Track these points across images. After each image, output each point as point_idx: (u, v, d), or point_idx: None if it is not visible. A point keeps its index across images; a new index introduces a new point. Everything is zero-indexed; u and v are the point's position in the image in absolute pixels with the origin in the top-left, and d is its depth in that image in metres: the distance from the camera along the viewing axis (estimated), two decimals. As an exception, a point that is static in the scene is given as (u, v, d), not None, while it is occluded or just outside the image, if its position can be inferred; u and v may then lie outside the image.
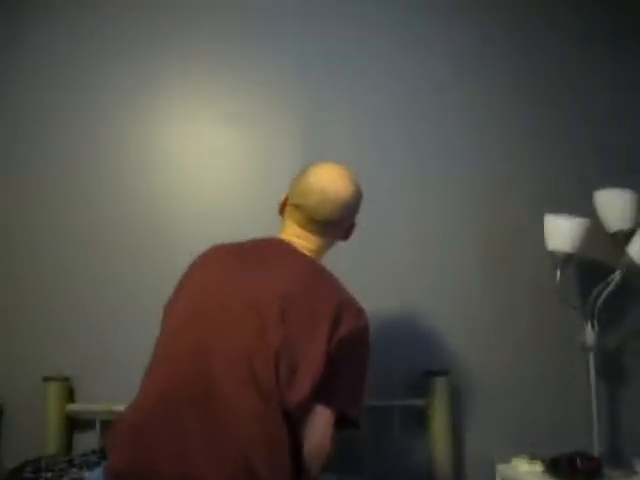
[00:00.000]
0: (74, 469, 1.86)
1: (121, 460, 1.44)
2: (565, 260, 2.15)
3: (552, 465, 2.02)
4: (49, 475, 1.82)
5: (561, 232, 2.13)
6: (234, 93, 2.47)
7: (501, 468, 2.18)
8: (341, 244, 1.79)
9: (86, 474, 1.79)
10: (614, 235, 2.17)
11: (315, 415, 1.50)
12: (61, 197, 2.42)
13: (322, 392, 1.49)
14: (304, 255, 1.67)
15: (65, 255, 2.39)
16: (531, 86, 2.47)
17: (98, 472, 1.63)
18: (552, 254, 2.16)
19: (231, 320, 1.51)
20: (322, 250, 1.74)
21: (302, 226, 1.70)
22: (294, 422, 1.45)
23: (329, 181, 1.69)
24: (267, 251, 1.68)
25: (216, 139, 2.46)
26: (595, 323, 2.18)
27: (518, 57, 2.49)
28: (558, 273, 2.17)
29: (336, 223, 1.72)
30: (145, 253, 2.38)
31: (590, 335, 2.17)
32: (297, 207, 1.70)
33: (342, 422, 1.57)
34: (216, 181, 2.44)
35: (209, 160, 2.45)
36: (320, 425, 1.51)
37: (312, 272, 1.64)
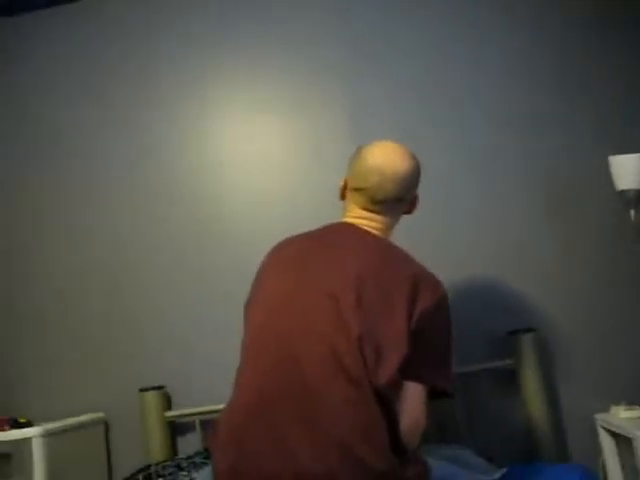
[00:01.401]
0: (182, 472, 1.92)
1: (226, 464, 1.49)
2: (637, 198, 2.08)
3: (653, 408, 1.98)
4: None
5: (629, 170, 2.06)
6: (280, 80, 2.50)
7: (601, 418, 2.15)
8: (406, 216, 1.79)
9: (195, 475, 1.86)
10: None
11: (407, 392, 1.51)
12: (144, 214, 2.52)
13: (411, 368, 1.50)
14: (372, 235, 1.68)
15: (152, 268, 2.48)
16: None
17: (206, 471, 1.70)
18: (623, 194, 2.09)
19: (311, 311, 1.53)
20: (389, 228, 1.74)
21: (365, 208, 1.71)
22: (387, 402, 1.46)
23: (386, 159, 1.69)
24: (335, 236, 1.70)
25: (263, 127, 2.50)
26: (678, 258, 2.11)
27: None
28: (632, 212, 2.10)
29: (398, 200, 1.71)
30: (224, 256, 2.45)
31: (674, 271, 2.11)
32: (357, 190, 1.71)
33: (435, 393, 1.58)
34: (267, 171, 2.48)
35: (259, 149, 2.49)
36: (414, 402, 1.52)
37: (383, 251, 1.65)
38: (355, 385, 1.44)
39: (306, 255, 1.66)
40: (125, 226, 2.51)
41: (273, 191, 2.46)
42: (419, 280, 1.56)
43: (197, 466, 1.95)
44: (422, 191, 1.78)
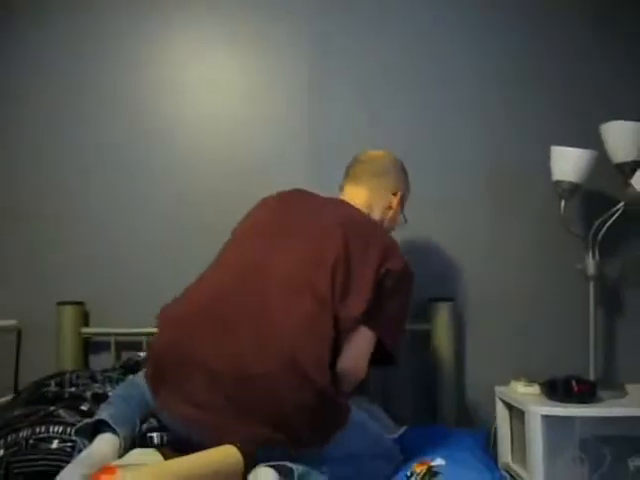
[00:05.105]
0: (96, 384, 1.90)
1: (162, 341, 1.56)
2: (570, 190, 2.17)
3: (548, 387, 2.07)
4: (72, 390, 1.86)
5: (567, 163, 2.15)
6: (242, 20, 2.47)
7: (500, 390, 2.26)
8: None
9: (109, 388, 1.86)
10: (619, 167, 2.19)
11: (358, 335, 1.61)
12: (69, 129, 2.45)
13: (369, 316, 1.60)
14: (350, 204, 1.86)
15: (79, 181, 2.44)
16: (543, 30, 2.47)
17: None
18: (557, 184, 2.19)
19: (295, 237, 1.66)
20: (368, 204, 1.92)
21: (345, 188, 1.96)
22: (340, 336, 1.55)
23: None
24: (320, 198, 1.88)
25: (220, 64, 2.49)
26: (596, 253, 2.23)
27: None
28: (563, 203, 2.20)
29: (374, 175, 1.94)
30: (157, 180, 2.43)
31: (591, 265, 2.22)
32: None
33: (380, 359, 1.69)
34: (215, 106, 2.47)
35: (210, 86, 2.48)
36: (361, 345, 1.62)
37: (364, 214, 1.85)
38: (319, 303, 1.53)
39: (298, 201, 1.84)
40: (68, 135, 2.45)
41: (223, 121, 2.46)
42: (391, 248, 1.72)
43: (112, 381, 1.94)
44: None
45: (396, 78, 2.45)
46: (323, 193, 1.90)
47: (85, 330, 2.31)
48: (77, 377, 1.93)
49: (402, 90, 2.45)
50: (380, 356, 1.68)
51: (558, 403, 2.01)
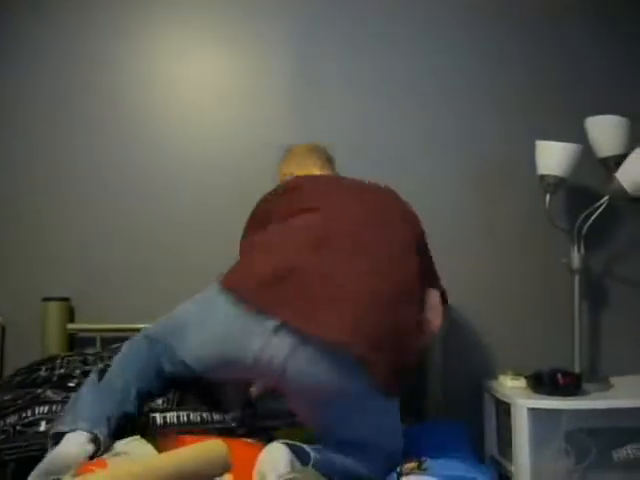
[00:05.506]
0: (87, 367, 1.89)
1: (270, 267, 1.52)
2: (555, 184, 2.18)
3: (534, 380, 2.10)
4: (62, 371, 1.86)
5: (552, 157, 2.16)
6: (227, 18, 2.45)
7: (487, 383, 2.28)
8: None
9: (100, 365, 1.83)
10: (604, 161, 2.20)
11: (430, 296, 1.74)
12: (60, 124, 2.42)
13: (426, 277, 1.73)
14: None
15: (64, 177, 2.40)
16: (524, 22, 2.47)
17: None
18: (542, 178, 2.20)
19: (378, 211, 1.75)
20: None
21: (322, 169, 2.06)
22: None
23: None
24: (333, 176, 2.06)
25: (204, 63, 2.46)
26: (582, 247, 2.24)
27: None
28: (548, 197, 2.21)
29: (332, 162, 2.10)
30: (141, 175, 2.40)
31: (576, 258, 2.23)
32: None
33: None
34: (202, 105, 2.45)
35: (196, 83, 2.45)
36: (438, 306, 1.77)
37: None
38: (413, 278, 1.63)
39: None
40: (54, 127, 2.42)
41: (221, 120, 2.43)
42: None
43: (104, 359, 1.91)
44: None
45: (387, 77, 2.44)
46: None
47: (71, 326, 2.29)
48: (68, 362, 1.92)
49: (393, 89, 2.44)
50: None
51: (544, 396, 2.03)
